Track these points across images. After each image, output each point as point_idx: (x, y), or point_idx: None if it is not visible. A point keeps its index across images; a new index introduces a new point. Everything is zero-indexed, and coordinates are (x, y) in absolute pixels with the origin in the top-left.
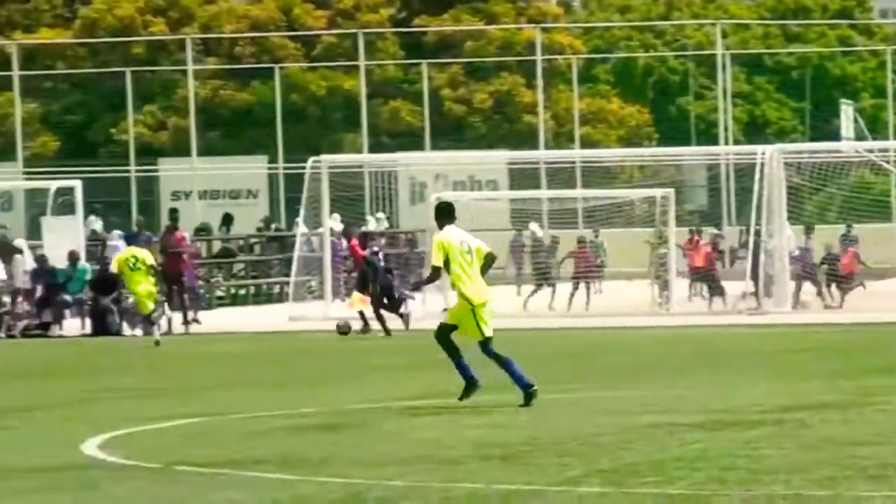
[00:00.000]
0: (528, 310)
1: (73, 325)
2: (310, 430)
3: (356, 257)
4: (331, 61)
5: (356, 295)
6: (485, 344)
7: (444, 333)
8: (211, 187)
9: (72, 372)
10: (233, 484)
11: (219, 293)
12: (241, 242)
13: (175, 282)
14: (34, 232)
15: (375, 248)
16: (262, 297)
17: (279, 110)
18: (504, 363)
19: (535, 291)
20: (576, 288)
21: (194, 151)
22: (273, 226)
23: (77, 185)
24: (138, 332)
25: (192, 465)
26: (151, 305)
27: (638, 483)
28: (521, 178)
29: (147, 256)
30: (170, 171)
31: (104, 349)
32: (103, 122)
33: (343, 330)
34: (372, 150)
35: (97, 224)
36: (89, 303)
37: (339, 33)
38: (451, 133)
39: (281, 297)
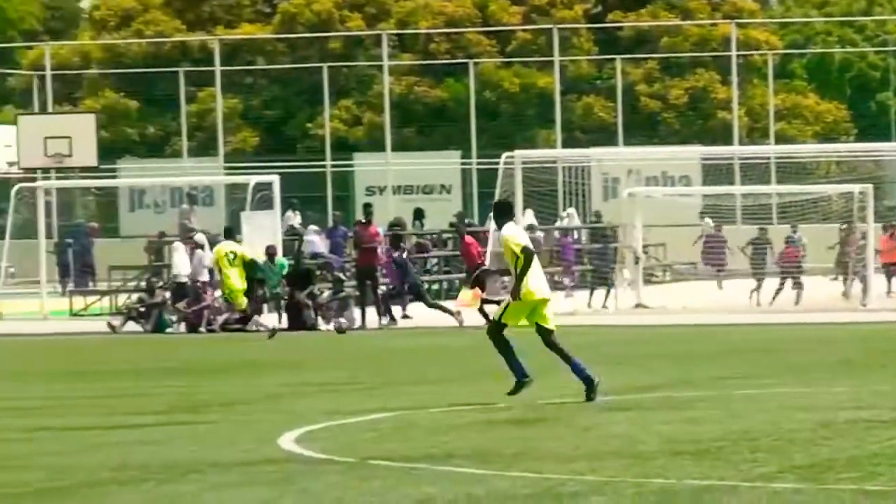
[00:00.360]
0: (772, 307)
1: (270, 320)
2: (503, 424)
3: (471, 254)
4: (525, 57)
5: (467, 292)
6: (494, 328)
7: (549, 341)
8: (405, 182)
9: (269, 366)
10: (427, 478)
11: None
12: (434, 237)
13: (369, 276)
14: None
15: (405, 252)
16: (455, 292)
17: (473, 106)
18: (507, 352)
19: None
20: (782, 285)
21: (389, 147)
22: (466, 221)
23: (275, 180)
24: (332, 326)
25: (386, 459)
26: (243, 303)
27: (834, 479)
28: (715, 174)
29: (245, 252)
30: (364, 167)
31: (300, 344)
32: (300, 117)
33: (340, 330)
34: (565, 145)
35: (295, 219)
36: (285, 298)
37: (533, 29)
38: (645, 128)
39: None
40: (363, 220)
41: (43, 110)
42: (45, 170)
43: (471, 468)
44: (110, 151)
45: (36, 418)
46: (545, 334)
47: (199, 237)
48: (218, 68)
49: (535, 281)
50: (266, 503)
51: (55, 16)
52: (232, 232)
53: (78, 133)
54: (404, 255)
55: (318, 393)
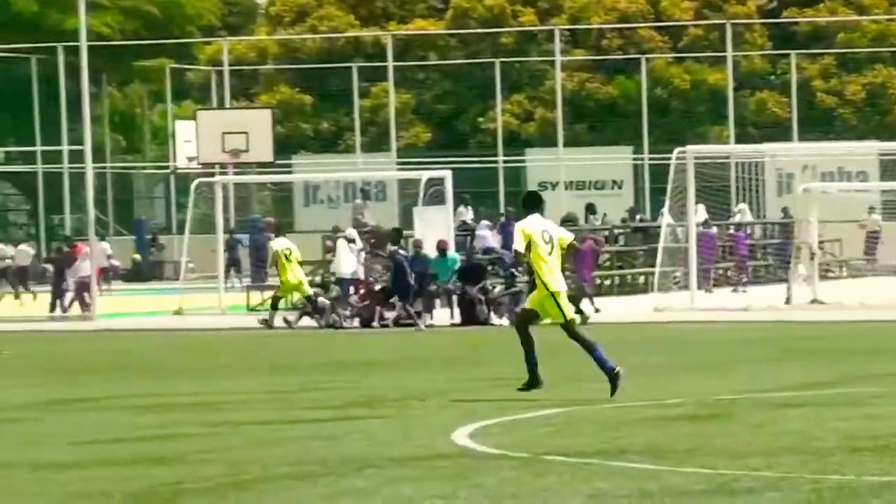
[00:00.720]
0: None
1: (442, 315)
2: (676, 420)
3: None
4: (697, 53)
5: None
6: (568, 326)
7: (523, 321)
8: (577, 178)
9: (442, 361)
10: (600, 474)
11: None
12: (607, 233)
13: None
14: (407, 222)
15: (403, 250)
16: (627, 287)
17: (645, 102)
18: (589, 347)
19: None
20: None
21: (560, 142)
22: (638, 216)
23: (447, 175)
24: (505, 321)
25: (559, 454)
26: (308, 290)
27: None
28: (893, 169)
29: (298, 253)
30: (536, 162)
31: (473, 338)
32: (472, 112)
33: (336, 325)
34: (738, 141)
35: (467, 215)
36: (458, 293)
37: (706, 25)
38: (820, 124)
39: (646, 288)
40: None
41: (220, 105)
42: (223, 165)
43: (644, 464)
44: (285, 146)
45: (215, 413)
46: (533, 319)
47: (350, 232)
48: (391, 63)
49: (551, 275)
50: (440, 498)
51: (232, 11)
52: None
53: (254, 128)
54: (400, 252)
55: (491, 388)
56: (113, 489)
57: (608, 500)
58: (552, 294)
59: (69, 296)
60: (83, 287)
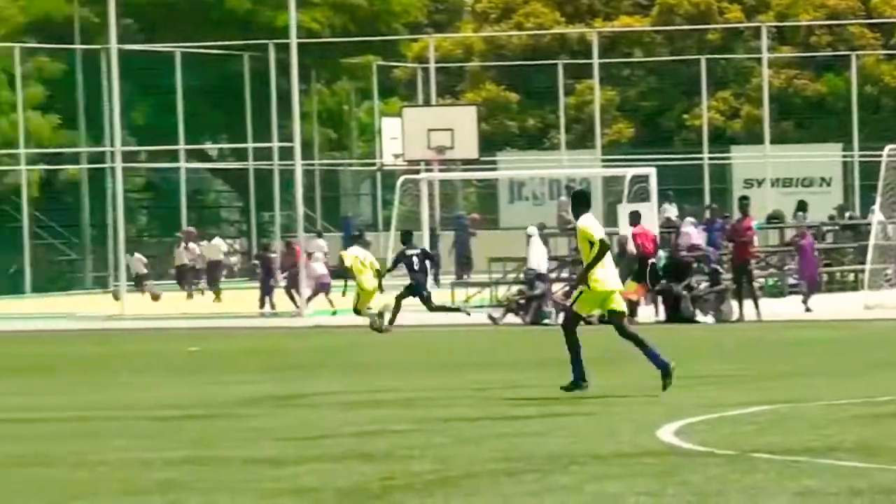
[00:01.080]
0: None
1: (647, 312)
2: (888, 418)
3: (642, 245)
4: None
5: (632, 283)
6: (569, 318)
7: (622, 328)
8: (783, 175)
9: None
10: (808, 471)
11: (791, 280)
12: (815, 230)
13: (742, 271)
14: (611, 219)
15: (417, 250)
16: (836, 284)
17: (854, 99)
18: (574, 351)
19: None
20: None
21: (767, 139)
22: (847, 214)
23: (651, 172)
24: (710, 318)
25: (767, 452)
26: (379, 297)
27: None
28: None
29: (373, 261)
30: (742, 159)
31: (678, 336)
32: (677, 109)
33: (375, 327)
34: None
35: (672, 211)
36: (663, 290)
37: None
38: None
39: (855, 285)
40: (727, 214)
41: (426, 102)
42: (428, 161)
43: (854, 462)
44: (490, 144)
45: (422, 409)
46: (617, 320)
47: (531, 230)
48: (596, 60)
49: (604, 272)
50: (647, 495)
51: (439, 9)
52: (362, 237)
53: (460, 125)
54: (415, 252)
55: (696, 385)
56: (322, 485)
57: (816, 498)
58: (586, 290)
59: (307, 293)
60: (322, 287)
